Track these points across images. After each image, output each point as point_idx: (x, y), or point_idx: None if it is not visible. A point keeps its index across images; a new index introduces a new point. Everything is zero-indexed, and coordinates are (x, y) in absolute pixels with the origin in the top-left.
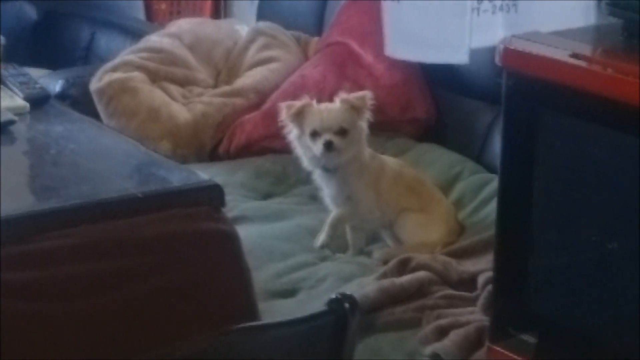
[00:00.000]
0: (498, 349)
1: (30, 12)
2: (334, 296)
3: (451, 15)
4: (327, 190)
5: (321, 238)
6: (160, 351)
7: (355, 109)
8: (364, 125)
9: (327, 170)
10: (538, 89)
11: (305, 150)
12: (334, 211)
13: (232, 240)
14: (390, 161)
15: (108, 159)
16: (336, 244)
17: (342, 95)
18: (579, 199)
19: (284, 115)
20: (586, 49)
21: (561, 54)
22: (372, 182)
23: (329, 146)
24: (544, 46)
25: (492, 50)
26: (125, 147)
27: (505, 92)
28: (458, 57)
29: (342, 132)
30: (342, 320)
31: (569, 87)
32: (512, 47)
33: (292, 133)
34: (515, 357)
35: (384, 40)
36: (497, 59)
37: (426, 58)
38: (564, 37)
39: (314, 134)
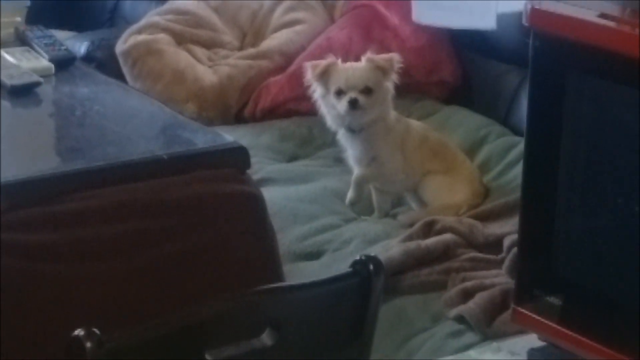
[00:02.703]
0: (523, 310)
1: None
2: (358, 258)
3: None
4: (351, 151)
5: (348, 196)
6: (183, 312)
7: (381, 69)
8: (389, 86)
9: (351, 130)
10: (566, 49)
11: (330, 110)
12: (358, 170)
13: (256, 202)
14: (414, 124)
15: (133, 121)
16: (362, 207)
17: (369, 55)
18: (605, 161)
19: (309, 74)
20: (615, 9)
21: (589, 14)
22: (398, 143)
23: (354, 104)
24: (572, 6)
25: (519, 12)
26: (151, 108)
27: (532, 54)
28: (485, 22)
29: (367, 90)
30: (366, 282)
31: (597, 48)
32: (540, 7)
33: (316, 92)
34: (540, 319)
35: (412, 6)
36: (524, 19)
37: (453, 23)
38: None
39: (339, 93)
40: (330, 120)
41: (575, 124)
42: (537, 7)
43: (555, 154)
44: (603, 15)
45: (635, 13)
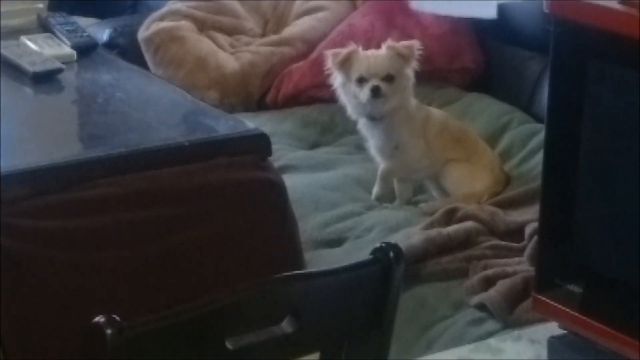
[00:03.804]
0: (543, 298)
1: None
2: (378, 245)
3: None
4: (372, 140)
5: (374, 191)
6: (203, 299)
7: (402, 56)
8: (410, 73)
9: (372, 118)
10: (587, 37)
11: (350, 98)
12: (383, 164)
13: (278, 189)
14: (435, 112)
15: (154, 108)
16: (383, 194)
17: (390, 42)
18: (627, 149)
19: (330, 62)
20: None
21: (610, 1)
22: (419, 131)
23: (376, 91)
24: None
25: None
26: (172, 95)
27: (553, 41)
28: (486, 11)
29: (389, 78)
30: (386, 270)
31: (618, 35)
32: None
33: (337, 80)
34: (561, 307)
35: None
36: (544, 7)
37: (453, 12)
38: None
39: (361, 80)
40: (350, 109)
41: (596, 111)
42: None
43: (576, 141)
44: (624, 2)
45: None
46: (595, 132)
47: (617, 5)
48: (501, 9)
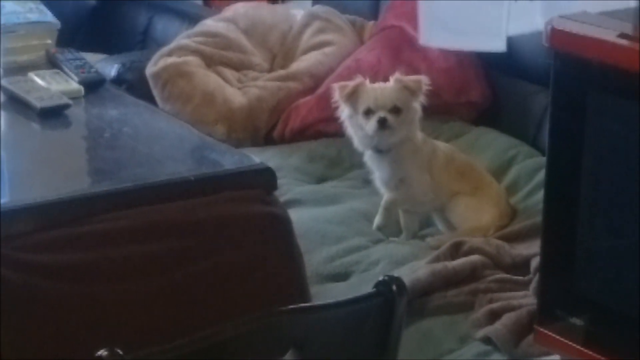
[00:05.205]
0: (545, 331)
1: None
2: (381, 279)
3: (488, 2)
4: (378, 173)
5: (376, 220)
6: (207, 332)
7: (409, 90)
8: (418, 107)
9: (379, 151)
10: (586, 70)
11: (357, 130)
12: (387, 194)
13: (283, 223)
14: (441, 145)
15: (161, 143)
16: (389, 228)
17: (397, 75)
18: (627, 181)
19: (337, 95)
20: (635, 29)
21: (609, 34)
22: (425, 164)
23: (382, 123)
24: (592, 26)
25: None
26: (179, 130)
27: (553, 74)
28: (495, 44)
29: (395, 110)
30: (389, 303)
31: (617, 68)
32: (560, 28)
33: (344, 113)
34: (563, 340)
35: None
36: (544, 40)
37: (462, 46)
38: (611, 17)
39: (368, 112)
40: (357, 142)
41: (597, 143)
42: (557, 27)
43: (577, 173)
44: (623, 35)
45: None
46: (596, 164)
47: (616, 39)
48: (507, 43)
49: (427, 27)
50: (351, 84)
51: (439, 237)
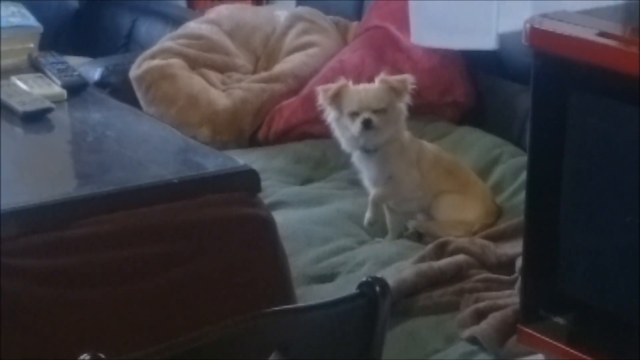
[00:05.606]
0: (528, 330)
1: (72, 1)
2: (365, 279)
3: (478, 0)
4: (366, 172)
5: (367, 216)
6: (190, 335)
7: (394, 90)
8: (402, 106)
9: (366, 151)
10: (566, 68)
11: (344, 132)
12: (374, 190)
13: (267, 225)
14: (427, 145)
15: (144, 146)
16: (375, 228)
17: (382, 76)
18: (609, 179)
19: (321, 98)
20: (615, 28)
21: (589, 33)
22: (413, 161)
23: (367, 124)
24: (572, 25)
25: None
26: (162, 133)
27: (534, 73)
28: (486, 42)
29: (380, 111)
30: (373, 303)
31: (597, 67)
32: (539, 27)
33: (330, 116)
34: (546, 339)
35: (410, 28)
36: (523, 39)
37: (453, 44)
38: (591, 16)
39: (353, 114)
40: (344, 143)
41: (578, 142)
42: (537, 26)
43: (558, 172)
44: (602, 34)
45: (635, 31)
46: (578, 163)
47: (596, 37)
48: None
49: (418, 27)
50: (334, 86)
51: (419, 221)
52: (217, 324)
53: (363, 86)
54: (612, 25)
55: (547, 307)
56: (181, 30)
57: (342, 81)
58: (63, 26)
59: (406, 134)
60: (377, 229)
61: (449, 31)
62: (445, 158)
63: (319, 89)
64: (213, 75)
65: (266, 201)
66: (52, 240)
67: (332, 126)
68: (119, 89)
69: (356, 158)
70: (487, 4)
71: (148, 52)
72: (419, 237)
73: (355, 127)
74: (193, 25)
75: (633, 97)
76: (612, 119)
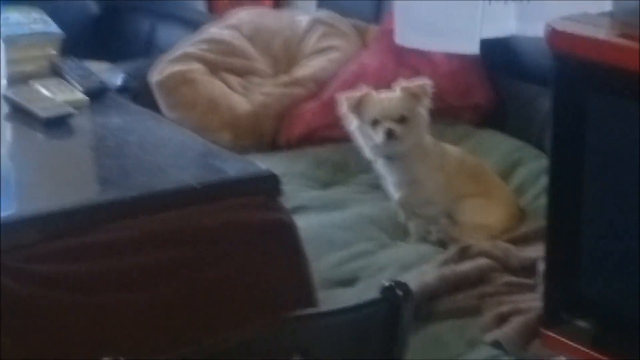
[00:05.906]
0: (551, 334)
1: (93, 7)
2: (387, 284)
3: (462, 4)
4: (390, 178)
5: (399, 217)
6: (211, 340)
7: (415, 96)
8: (424, 112)
9: (389, 158)
10: (587, 70)
11: (367, 140)
12: (399, 193)
13: (289, 230)
14: (450, 149)
15: (165, 151)
16: (397, 232)
17: (402, 83)
18: (631, 182)
19: (344, 107)
20: (636, 29)
21: (610, 35)
22: (437, 165)
23: (390, 134)
24: (592, 27)
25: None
26: (183, 138)
27: (554, 75)
28: (468, 46)
29: (402, 119)
30: (395, 308)
31: (618, 68)
32: (560, 29)
33: (352, 124)
34: (569, 342)
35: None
36: (544, 40)
37: (435, 47)
38: (611, 18)
39: (375, 123)
40: (368, 151)
41: (599, 144)
42: (557, 28)
43: (580, 175)
44: (623, 35)
45: None
46: (599, 166)
47: (616, 39)
48: (511, 44)
49: (402, 27)
50: (357, 94)
51: (444, 228)
52: (238, 329)
53: (385, 95)
54: (633, 26)
55: (570, 310)
56: (201, 35)
57: (364, 89)
58: (84, 32)
59: (428, 139)
60: (398, 233)
61: (432, 33)
62: (469, 161)
63: (342, 97)
64: (233, 80)
65: (287, 205)
66: (73, 246)
67: (355, 134)
68: (140, 93)
69: (380, 165)
70: (472, 7)
71: (168, 57)
72: (442, 241)
73: (378, 136)
74: (213, 30)
75: None
76: (634, 121)
